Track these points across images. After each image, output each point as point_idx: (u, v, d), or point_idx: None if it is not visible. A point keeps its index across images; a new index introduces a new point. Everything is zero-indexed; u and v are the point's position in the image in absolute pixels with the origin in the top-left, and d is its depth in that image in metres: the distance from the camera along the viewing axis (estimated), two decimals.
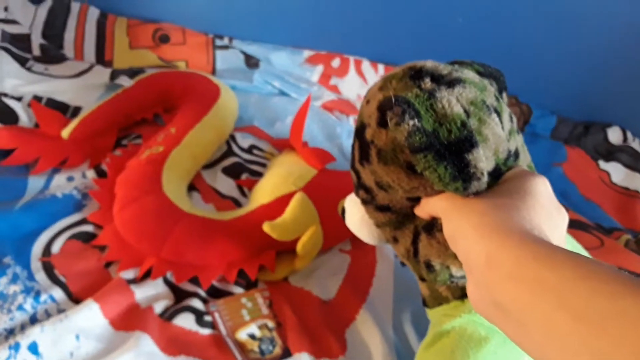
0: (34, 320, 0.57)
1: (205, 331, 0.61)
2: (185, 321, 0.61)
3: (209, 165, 0.83)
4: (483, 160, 0.33)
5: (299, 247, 0.66)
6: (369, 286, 0.70)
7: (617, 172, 1.03)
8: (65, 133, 0.78)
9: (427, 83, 0.36)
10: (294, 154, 0.82)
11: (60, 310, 0.58)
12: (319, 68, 1.11)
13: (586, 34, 1.06)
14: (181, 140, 0.77)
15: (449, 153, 0.33)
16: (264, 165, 0.85)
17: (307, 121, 0.81)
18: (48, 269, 0.62)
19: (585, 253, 0.51)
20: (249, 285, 0.67)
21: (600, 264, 0.24)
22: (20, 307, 0.57)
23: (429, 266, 0.40)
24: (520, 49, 1.09)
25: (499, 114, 0.37)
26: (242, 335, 0.61)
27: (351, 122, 1.04)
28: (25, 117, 0.82)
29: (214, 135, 0.83)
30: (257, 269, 0.66)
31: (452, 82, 0.36)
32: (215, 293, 0.66)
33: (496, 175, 0.36)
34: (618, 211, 0.94)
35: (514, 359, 0.43)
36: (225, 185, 0.80)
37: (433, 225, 0.39)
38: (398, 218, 0.42)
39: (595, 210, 0.94)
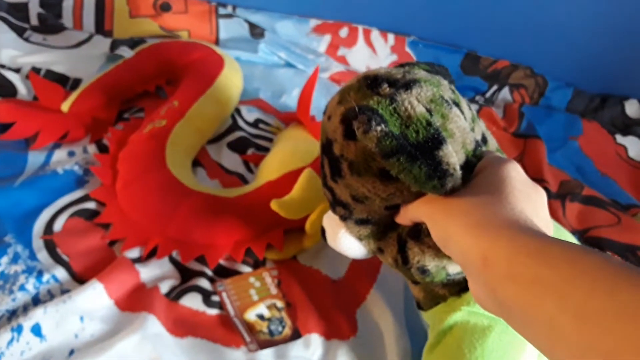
0: (36, 301, 0.55)
1: (213, 311, 0.60)
2: (192, 301, 0.59)
3: (214, 140, 0.80)
4: (453, 155, 0.34)
5: (308, 225, 0.64)
6: (380, 265, 0.68)
7: (634, 146, 1.00)
8: (65, 106, 0.75)
9: (385, 89, 0.36)
10: (301, 128, 0.79)
11: (64, 291, 0.57)
12: (327, 38, 1.07)
13: (604, 1, 1.01)
14: (184, 114, 0.74)
15: (420, 153, 0.33)
16: (270, 140, 0.83)
17: (315, 94, 0.78)
18: (50, 247, 0.60)
19: (570, 238, 0.50)
20: (257, 264, 0.66)
21: (596, 254, 0.23)
22: (22, 288, 0.55)
23: (423, 271, 0.40)
24: (534, 17, 1.04)
25: (458, 106, 0.37)
26: (251, 315, 0.60)
27: None
28: (23, 90, 0.79)
29: (218, 109, 0.80)
30: (265, 247, 0.64)
31: (408, 84, 0.36)
32: (223, 272, 0.64)
33: (468, 168, 0.36)
34: (635, 187, 0.92)
35: (518, 344, 0.42)
36: (231, 160, 0.78)
37: (419, 231, 0.39)
38: (379, 229, 0.42)
39: (612, 186, 0.91)
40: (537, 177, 0.89)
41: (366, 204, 0.39)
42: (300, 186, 0.65)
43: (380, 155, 0.33)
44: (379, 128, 0.33)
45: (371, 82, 0.38)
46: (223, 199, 0.65)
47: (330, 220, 0.46)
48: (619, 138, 1.01)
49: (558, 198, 0.85)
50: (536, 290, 0.24)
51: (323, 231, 0.48)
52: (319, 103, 0.92)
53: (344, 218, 0.43)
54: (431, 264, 0.39)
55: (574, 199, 0.85)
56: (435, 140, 0.33)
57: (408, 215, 0.37)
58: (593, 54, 1.07)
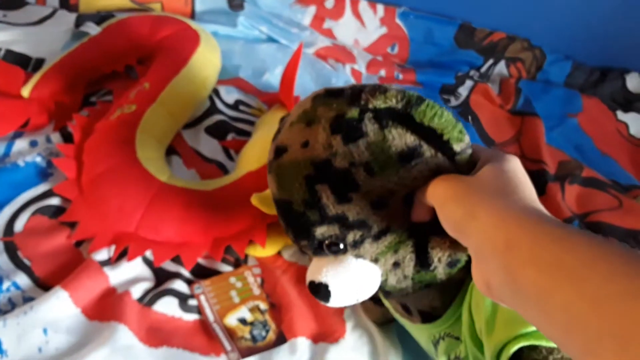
0: None
1: (190, 317, 0.55)
2: (167, 306, 0.55)
3: (190, 125, 0.75)
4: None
5: None
6: None
7: (636, 123, 0.95)
8: (26, 91, 0.68)
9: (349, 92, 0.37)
10: (284, 110, 0.73)
11: (26, 299, 0.52)
12: (311, 9, 1.00)
13: None
14: (156, 97, 0.68)
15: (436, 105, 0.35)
16: (251, 124, 0.77)
17: (299, 72, 0.72)
18: (11, 250, 0.55)
19: None
20: (238, 262, 0.61)
21: (615, 242, 0.24)
22: None
23: (455, 263, 0.39)
24: None
25: None
26: (232, 320, 0.56)
27: (348, 71, 0.94)
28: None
29: (194, 90, 0.74)
30: (247, 244, 0.60)
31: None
32: (201, 272, 0.59)
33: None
34: (636, 166, 0.88)
35: None
36: (209, 147, 0.72)
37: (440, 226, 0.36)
38: (396, 238, 0.38)
39: (612, 166, 0.87)
40: (535, 158, 0.84)
41: (388, 206, 0.37)
42: None
43: (408, 104, 0.34)
44: (393, 87, 0.33)
45: (329, 92, 0.38)
46: (199, 192, 0.60)
47: (336, 269, 0.39)
48: (620, 115, 0.96)
49: (557, 180, 0.80)
50: (556, 275, 0.24)
51: (324, 290, 0.39)
52: (304, 82, 0.86)
53: (357, 244, 0.38)
54: (463, 252, 0.38)
55: (574, 181, 0.81)
56: (420, 100, 0.35)
57: (426, 199, 0.35)
58: (593, 24, 1.02)
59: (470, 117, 0.91)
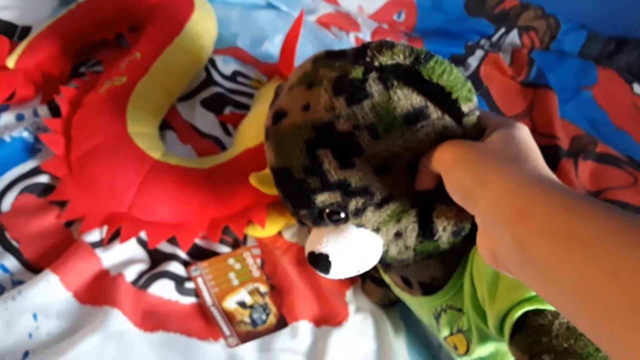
0: None
1: (187, 300, 0.53)
2: (163, 289, 0.52)
3: (186, 97, 0.71)
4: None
5: None
6: None
7: None
8: (11, 61, 0.64)
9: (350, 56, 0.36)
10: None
11: (15, 282, 0.50)
12: None
13: None
14: (148, 68, 0.64)
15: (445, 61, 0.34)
16: (250, 96, 0.73)
17: (300, 40, 0.68)
18: None
19: None
20: (237, 243, 0.58)
21: (631, 214, 0.23)
22: None
23: (459, 231, 0.37)
24: None
25: None
26: (230, 303, 0.53)
27: (352, 40, 0.90)
28: None
29: (188, 60, 0.70)
30: (246, 224, 0.57)
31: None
32: (198, 253, 0.57)
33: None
34: None
35: None
36: (206, 121, 0.68)
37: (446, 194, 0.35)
38: (400, 206, 0.36)
39: (627, 141, 0.83)
40: (548, 133, 0.81)
41: (392, 172, 0.35)
42: None
43: (416, 60, 0.32)
44: (401, 42, 0.32)
45: (330, 53, 0.37)
46: (195, 171, 0.57)
47: (336, 238, 0.38)
48: (637, 87, 0.92)
49: (570, 156, 0.77)
50: (570, 244, 0.23)
51: (324, 261, 0.38)
52: (305, 52, 0.81)
53: (360, 211, 0.37)
54: (468, 220, 0.37)
55: (587, 157, 0.78)
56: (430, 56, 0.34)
57: (432, 165, 0.34)
58: None
59: (479, 89, 0.87)
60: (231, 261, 0.57)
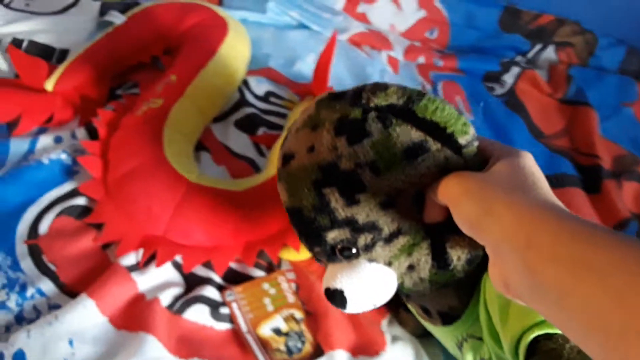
0: (20, 319, 0.48)
1: (222, 326, 0.52)
2: (198, 314, 0.52)
3: (219, 118, 0.71)
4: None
5: None
6: None
7: None
8: (50, 84, 0.65)
9: (348, 99, 0.38)
10: None
11: (52, 306, 0.50)
12: None
13: None
14: (184, 91, 0.64)
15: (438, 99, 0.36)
16: (283, 116, 0.73)
17: (333, 61, 0.67)
18: (35, 254, 0.53)
19: None
20: (271, 266, 0.57)
21: (636, 241, 0.23)
22: (2, 305, 0.48)
23: (472, 260, 0.38)
24: None
25: None
26: (265, 330, 0.52)
27: (384, 59, 0.89)
28: (4, 66, 0.69)
29: (223, 82, 0.70)
30: (280, 248, 0.56)
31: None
32: (232, 277, 0.56)
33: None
34: None
35: None
36: (239, 142, 0.68)
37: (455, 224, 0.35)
38: (410, 240, 0.37)
39: None
40: (589, 152, 0.78)
41: (397, 206, 0.36)
42: None
43: (409, 100, 0.35)
44: (393, 84, 0.34)
45: (332, 95, 0.38)
46: (229, 193, 0.57)
47: (350, 275, 0.39)
48: None
49: (613, 177, 0.74)
50: (578, 272, 0.24)
51: (340, 296, 0.39)
52: (338, 71, 0.81)
53: (369, 246, 0.38)
54: (481, 248, 0.36)
55: (631, 178, 0.75)
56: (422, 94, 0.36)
57: (438, 198, 0.34)
58: None
59: (516, 107, 0.85)
60: (266, 286, 0.56)
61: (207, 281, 0.54)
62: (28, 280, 0.50)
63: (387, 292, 0.39)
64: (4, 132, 0.63)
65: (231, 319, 0.53)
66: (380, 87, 0.36)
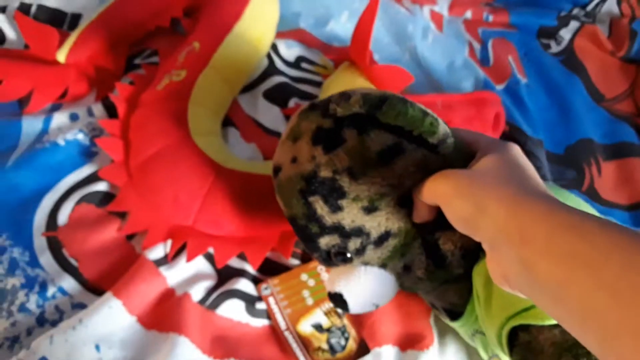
0: (42, 321, 0.45)
1: (259, 322, 0.48)
2: (233, 310, 0.48)
3: (247, 88, 0.64)
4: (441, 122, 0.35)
5: None
6: None
7: None
8: (62, 55, 0.59)
9: (335, 107, 0.36)
10: (356, 71, 0.62)
11: (75, 305, 0.46)
12: None
13: None
14: (208, 61, 0.58)
15: (401, 100, 0.34)
16: (317, 85, 0.66)
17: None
18: (55, 248, 0.49)
19: (590, 210, 0.45)
20: (307, 255, 0.53)
21: (631, 231, 0.23)
22: (22, 308, 0.45)
23: (466, 255, 0.39)
24: None
25: None
26: (306, 326, 0.48)
27: (426, 15, 0.80)
28: (12, 34, 0.64)
29: (251, 48, 0.63)
30: None
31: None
32: (266, 267, 0.51)
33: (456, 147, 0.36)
34: None
35: None
36: (270, 115, 0.62)
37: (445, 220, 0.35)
38: (401, 240, 0.39)
39: None
40: None
41: (381, 208, 0.37)
42: None
43: (370, 107, 0.34)
44: (357, 92, 0.35)
45: (311, 106, 0.38)
46: (264, 179, 0.51)
47: (345, 278, 0.41)
48: None
49: None
50: (572, 265, 0.23)
51: (342, 301, 0.41)
52: (376, 31, 0.73)
53: (361, 251, 0.39)
54: (474, 243, 0.35)
55: None
56: (396, 96, 0.35)
57: (426, 198, 0.34)
58: None
59: (575, 67, 0.76)
60: (304, 277, 0.51)
61: (241, 273, 0.50)
62: (48, 277, 0.47)
63: (386, 292, 0.41)
64: (15, 110, 0.58)
65: (268, 314, 0.48)
66: (344, 97, 0.36)
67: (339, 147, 0.36)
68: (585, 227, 0.24)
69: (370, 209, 0.37)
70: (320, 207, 0.37)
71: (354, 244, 0.38)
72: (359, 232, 0.38)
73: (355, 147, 0.36)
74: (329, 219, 0.38)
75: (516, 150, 0.34)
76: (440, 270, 0.39)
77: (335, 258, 0.40)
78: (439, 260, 0.39)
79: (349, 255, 0.39)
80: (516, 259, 0.26)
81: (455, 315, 0.44)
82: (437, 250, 0.39)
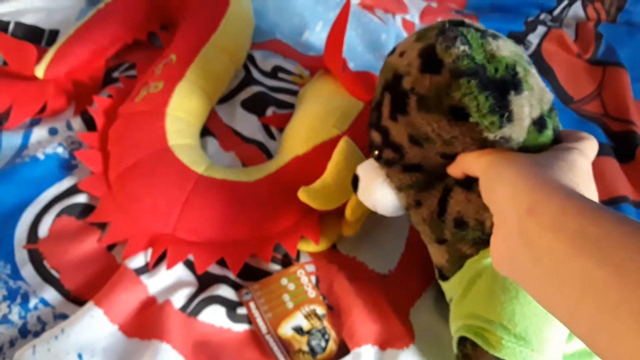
0: (24, 332, 0.45)
1: (240, 327, 0.49)
2: (214, 316, 0.48)
3: (224, 99, 0.66)
4: (527, 105, 0.35)
5: (348, 211, 0.51)
6: None
7: None
8: (40, 71, 0.61)
9: (472, 30, 0.36)
10: (331, 78, 0.63)
11: (57, 316, 0.47)
12: None
13: None
14: (185, 72, 0.59)
15: (493, 87, 0.33)
16: (293, 93, 0.67)
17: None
18: (36, 260, 0.49)
19: None
20: (287, 259, 0.54)
21: None
22: (5, 320, 0.45)
23: (461, 224, 0.40)
24: None
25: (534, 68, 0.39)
26: (286, 329, 0.49)
27: (399, 23, 0.82)
28: None
29: (227, 60, 0.65)
30: (298, 241, 0.52)
31: (494, 35, 0.38)
32: (247, 272, 0.52)
33: (541, 124, 0.36)
34: None
35: None
36: (247, 124, 0.63)
37: (471, 180, 0.38)
38: (426, 178, 0.42)
39: None
40: (621, 117, 0.72)
41: (423, 147, 0.39)
42: (334, 165, 0.51)
43: (453, 73, 0.34)
44: (461, 47, 0.33)
45: (457, 24, 0.38)
46: (242, 185, 0.52)
47: (369, 169, 0.45)
48: None
49: None
50: (578, 243, 0.24)
51: (355, 181, 0.46)
52: (349, 40, 0.75)
53: (390, 163, 0.43)
54: (473, 217, 0.39)
55: None
56: (511, 84, 0.34)
57: (463, 165, 0.36)
58: None
59: (543, 70, 0.78)
60: (284, 281, 0.52)
61: (222, 279, 0.51)
62: (30, 289, 0.47)
63: (386, 205, 0.45)
64: None
65: (249, 319, 0.49)
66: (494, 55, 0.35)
67: (432, 73, 0.36)
68: (598, 213, 0.25)
69: (414, 141, 0.39)
70: (385, 105, 0.41)
71: (388, 154, 0.42)
72: (397, 148, 0.41)
73: (441, 86, 0.35)
74: (384, 120, 0.41)
75: (574, 155, 0.33)
76: (438, 223, 0.42)
77: (371, 150, 0.45)
78: (442, 210, 0.41)
79: (380, 158, 0.43)
80: (518, 231, 0.27)
81: (442, 276, 0.46)
82: (445, 201, 0.40)
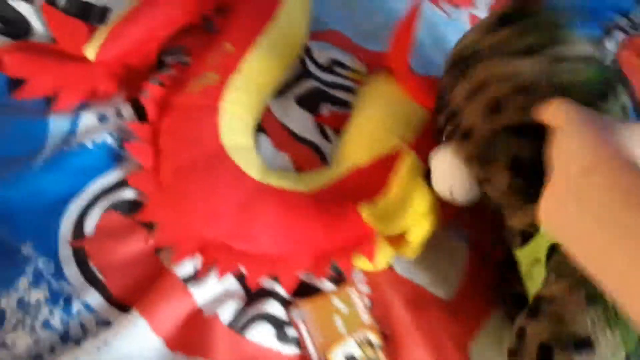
0: (65, 338, 0.43)
1: (290, 350, 0.46)
2: (262, 335, 0.46)
3: (279, 92, 0.62)
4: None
5: (412, 236, 0.47)
6: None
7: None
8: (91, 52, 0.57)
9: None
10: (392, 80, 0.59)
11: (100, 322, 0.44)
12: None
13: None
14: (241, 64, 0.55)
15: None
16: (350, 91, 0.63)
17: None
18: (81, 259, 0.47)
19: None
20: (339, 275, 0.50)
21: None
22: (46, 324, 0.43)
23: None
24: None
25: None
26: (337, 356, 0.46)
27: (465, 18, 0.76)
28: (39, 27, 0.61)
29: (284, 50, 0.60)
30: (353, 260, 0.49)
31: None
32: (298, 287, 0.49)
33: None
34: None
35: None
36: (301, 122, 0.59)
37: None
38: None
39: None
40: None
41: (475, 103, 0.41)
42: (400, 184, 0.47)
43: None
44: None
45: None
46: (299, 195, 0.49)
47: (443, 157, 0.45)
48: None
49: None
50: (633, 204, 0.24)
51: (428, 173, 0.46)
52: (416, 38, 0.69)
53: (451, 134, 0.44)
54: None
55: None
56: None
57: (547, 114, 0.36)
58: None
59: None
60: (336, 301, 0.49)
61: (270, 294, 0.48)
62: (73, 291, 0.45)
63: (460, 187, 0.44)
64: (43, 108, 0.55)
65: (299, 342, 0.46)
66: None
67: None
68: None
69: (472, 95, 0.42)
70: (450, 81, 0.45)
71: (448, 128, 0.44)
72: (453, 115, 0.43)
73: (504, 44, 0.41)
74: (448, 91, 0.45)
75: None
76: (522, 182, 0.40)
77: (439, 138, 0.47)
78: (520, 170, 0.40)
79: (443, 135, 0.45)
80: (576, 187, 0.28)
81: (526, 237, 0.44)
82: (520, 161, 0.40)
